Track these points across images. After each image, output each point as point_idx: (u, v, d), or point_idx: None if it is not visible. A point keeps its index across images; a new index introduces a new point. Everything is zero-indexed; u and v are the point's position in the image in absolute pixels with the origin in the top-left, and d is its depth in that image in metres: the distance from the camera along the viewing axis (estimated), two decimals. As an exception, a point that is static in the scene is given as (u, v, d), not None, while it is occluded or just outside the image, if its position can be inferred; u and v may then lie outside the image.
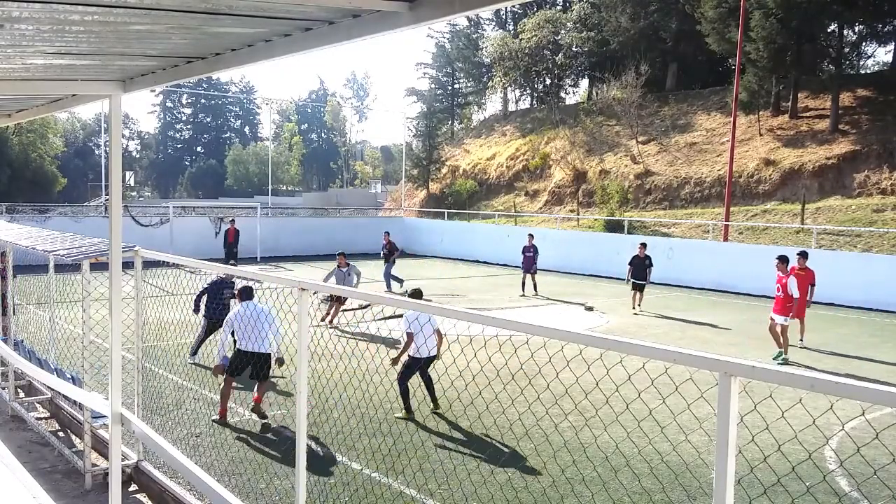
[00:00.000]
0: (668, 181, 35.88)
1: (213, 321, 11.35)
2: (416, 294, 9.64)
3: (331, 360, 11.20)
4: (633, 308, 18.56)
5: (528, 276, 21.57)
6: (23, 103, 6.24)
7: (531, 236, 22.59)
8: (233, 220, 26.96)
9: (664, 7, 42.87)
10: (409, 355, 9.27)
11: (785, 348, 13.30)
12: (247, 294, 9.06)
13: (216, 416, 8.96)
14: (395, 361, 9.37)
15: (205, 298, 11.55)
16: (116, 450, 5.17)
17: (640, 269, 18.61)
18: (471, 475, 7.07)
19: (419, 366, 9.34)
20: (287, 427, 8.76)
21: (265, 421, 8.74)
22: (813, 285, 14.18)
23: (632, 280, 18.64)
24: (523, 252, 21.94)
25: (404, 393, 9.29)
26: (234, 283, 11.24)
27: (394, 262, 22.11)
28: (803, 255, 14.31)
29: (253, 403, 8.75)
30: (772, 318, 13.49)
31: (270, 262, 29.49)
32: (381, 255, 22.85)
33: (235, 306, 9.39)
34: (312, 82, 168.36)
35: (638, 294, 18.58)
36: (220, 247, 26.83)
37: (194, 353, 11.79)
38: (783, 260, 13.53)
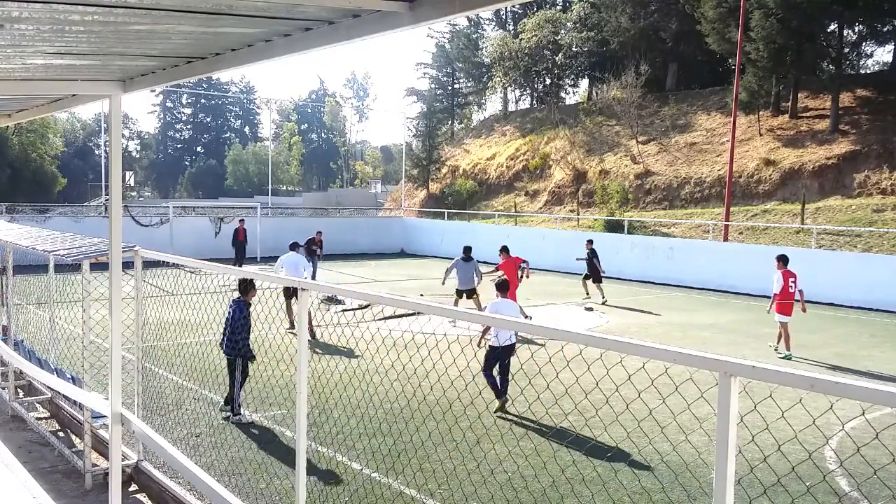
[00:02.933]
0: (668, 181, 35.88)
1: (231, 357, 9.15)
2: (504, 285, 10.29)
3: (331, 360, 11.22)
4: (603, 299, 19.70)
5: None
6: (23, 103, 6.24)
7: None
8: (242, 220, 27.23)
9: (664, 7, 42.88)
10: (489, 345, 9.51)
11: (786, 346, 13.66)
12: None
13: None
14: (479, 344, 10.12)
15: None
16: (116, 450, 5.17)
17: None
18: (471, 475, 7.06)
19: (496, 354, 9.43)
20: (287, 427, 8.76)
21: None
22: (520, 267, 15.95)
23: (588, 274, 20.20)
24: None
25: (490, 383, 9.46)
26: (243, 302, 9.20)
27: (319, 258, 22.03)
28: (503, 249, 16.22)
29: None
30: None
31: (271, 262, 29.47)
32: (311, 251, 21.88)
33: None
34: (312, 82, 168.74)
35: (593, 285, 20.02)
36: (219, 247, 26.89)
37: (237, 409, 9.04)
38: (778, 259, 14.06)
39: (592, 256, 20.21)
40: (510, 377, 9.58)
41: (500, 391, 9.47)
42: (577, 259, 20.97)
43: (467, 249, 15.76)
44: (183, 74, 4.20)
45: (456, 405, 9.42)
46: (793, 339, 14.61)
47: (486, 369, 9.45)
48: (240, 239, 26.03)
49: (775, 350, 13.90)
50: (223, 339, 9.17)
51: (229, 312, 9.13)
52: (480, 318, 3.50)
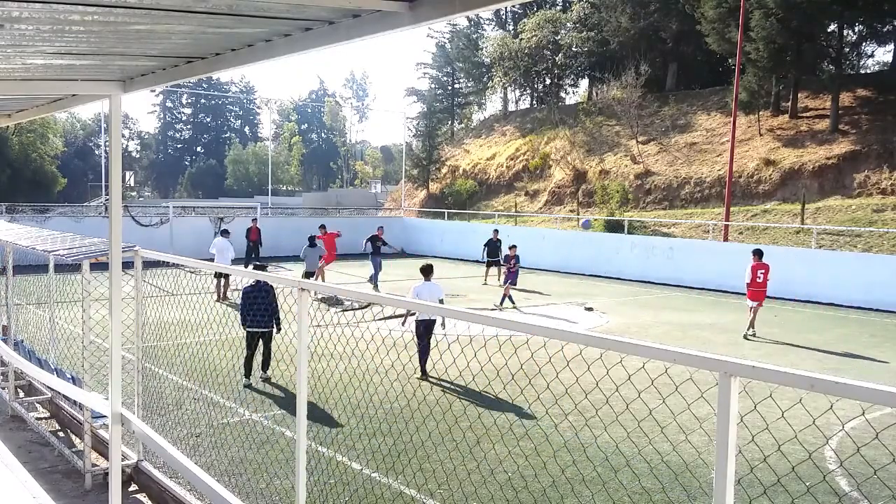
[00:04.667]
0: (668, 181, 35.87)
1: (253, 332, 10.74)
2: (427, 268, 11.91)
3: (331, 359, 11.21)
4: (486, 281, 23.43)
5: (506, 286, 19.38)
6: (23, 103, 6.24)
7: (513, 247, 20.06)
8: (255, 220, 27.23)
9: (664, 7, 42.85)
10: (416, 320, 11.28)
11: (749, 324, 15.52)
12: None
13: None
14: (404, 320, 11.87)
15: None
16: (116, 450, 5.17)
17: (494, 249, 23.66)
18: (471, 475, 7.06)
19: (419, 326, 11.28)
20: (287, 427, 8.76)
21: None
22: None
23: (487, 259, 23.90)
24: (505, 260, 19.98)
25: (422, 351, 11.29)
26: (271, 287, 10.66)
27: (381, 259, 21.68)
28: (321, 227, 21.01)
29: None
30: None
31: (270, 262, 29.46)
32: (375, 247, 21.37)
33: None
34: (312, 82, 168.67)
35: (493, 269, 23.63)
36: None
37: (248, 373, 10.81)
38: (753, 252, 15.84)
39: (495, 247, 23.62)
40: (430, 348, 11.30)
41: (422, 359, 11.19)
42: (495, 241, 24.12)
43: (311, 239, 19.86)
44: (183, 74, 4.19)
45: (456, 405, 9.44)
46: (794, 339, 14.65)
47: (420, 339, 11.33)
48: (252, 238, 25.90)
49: (749, 336, 15.32)
50: (253, 319, 10.63)
51: (253, 294, 10.65)
52: (476, 317, 3.48)
